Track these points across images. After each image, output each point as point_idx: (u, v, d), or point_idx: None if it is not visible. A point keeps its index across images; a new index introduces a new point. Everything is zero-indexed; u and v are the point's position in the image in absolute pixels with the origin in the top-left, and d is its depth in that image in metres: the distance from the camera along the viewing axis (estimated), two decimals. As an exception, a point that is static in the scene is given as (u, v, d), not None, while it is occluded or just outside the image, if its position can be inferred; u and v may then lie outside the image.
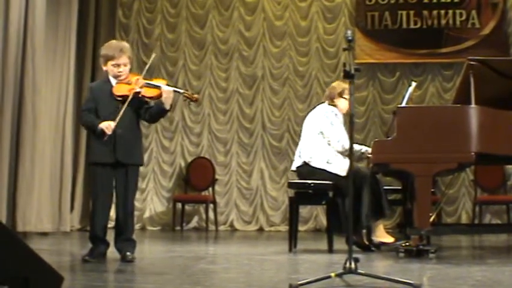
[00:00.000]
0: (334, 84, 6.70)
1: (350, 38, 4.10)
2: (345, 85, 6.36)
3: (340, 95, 6.44)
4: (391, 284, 3.80)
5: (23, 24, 7.60)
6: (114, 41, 5.70)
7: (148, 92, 5.23)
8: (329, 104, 6.47)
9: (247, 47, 10.60)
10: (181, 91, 5.42)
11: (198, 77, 10.60)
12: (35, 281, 2.90)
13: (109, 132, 5.09)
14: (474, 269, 4.78)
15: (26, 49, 7.60)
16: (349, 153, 4.19)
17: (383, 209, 6.18)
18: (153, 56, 5.91)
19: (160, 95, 5.21)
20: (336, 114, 6.36)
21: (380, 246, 6.25)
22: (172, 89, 5.28)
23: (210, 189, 10.28)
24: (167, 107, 5.23)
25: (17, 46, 7.49)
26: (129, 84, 5.22)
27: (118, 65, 5.25)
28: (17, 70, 7.51)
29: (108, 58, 5.26)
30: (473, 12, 10.03)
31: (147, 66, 5.48)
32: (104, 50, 5.33)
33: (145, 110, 5.32)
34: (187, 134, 10.54)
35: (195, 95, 5.43)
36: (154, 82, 5.33)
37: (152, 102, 5.33)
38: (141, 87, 5.20)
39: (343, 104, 6.45)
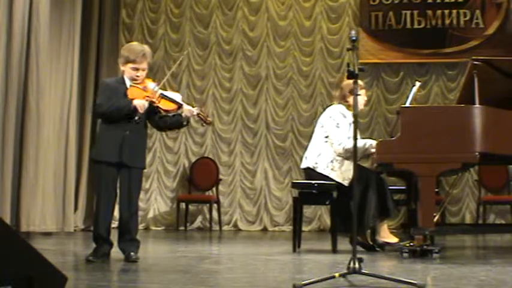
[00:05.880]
0: (344, 83, 6.55)
1: (354, 38, 4.11)
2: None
3: (352, 92, 6.37)
4: (395, 284, 3.79)
5: (27, 24, 7.62)
6: (136, 44, 5.66)
7: (165, 105, 5.26)
8: (342, 104, 6.36)
9: (251, 47, 10.59)
10: (197, 111, 5.42)
11: (202, 77, 10.60)
12: (38, 281, 2.90)
13: (141, 111, 5.13)
14: (478, 269, 4.77)
15: (30, 49, 7.62)
16: (354, 151, 4.17)
17: (388, 209, 6.17)
18: (181, 58, 6.08)
19: (175, 110, 5.28)
20: (344, 115, 6.28)
21: (384, 246, 6.24)
22: (194, 110, 5.31)
23: (214, 189, 10.28)
24: (185, 122, 5.35)
25: (21, 45, 7.51)
26: (144, 90, 5.23)
27: (137, 69, 5.26)
28: (21, 69, 7.53)
29: (129, 60, 5.26)
30: (478, 12, 10.01)
31: (171, 69, 5.57)
32: (126, 52, 5.31)
33: (160, 118, 5.37)
34: (191, 134, 10.54)
35: (209, 118, 5.53)
36: (171, 95, 5.33)
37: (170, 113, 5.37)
38: (157, 98, 5.21)
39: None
